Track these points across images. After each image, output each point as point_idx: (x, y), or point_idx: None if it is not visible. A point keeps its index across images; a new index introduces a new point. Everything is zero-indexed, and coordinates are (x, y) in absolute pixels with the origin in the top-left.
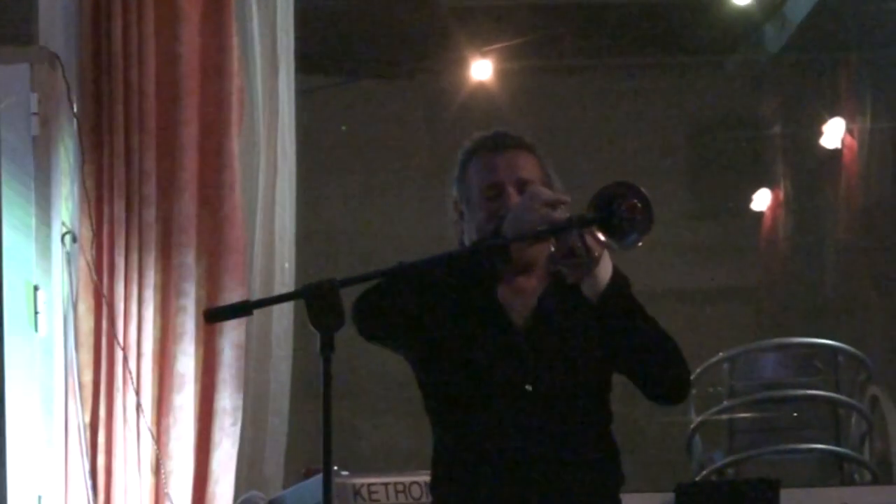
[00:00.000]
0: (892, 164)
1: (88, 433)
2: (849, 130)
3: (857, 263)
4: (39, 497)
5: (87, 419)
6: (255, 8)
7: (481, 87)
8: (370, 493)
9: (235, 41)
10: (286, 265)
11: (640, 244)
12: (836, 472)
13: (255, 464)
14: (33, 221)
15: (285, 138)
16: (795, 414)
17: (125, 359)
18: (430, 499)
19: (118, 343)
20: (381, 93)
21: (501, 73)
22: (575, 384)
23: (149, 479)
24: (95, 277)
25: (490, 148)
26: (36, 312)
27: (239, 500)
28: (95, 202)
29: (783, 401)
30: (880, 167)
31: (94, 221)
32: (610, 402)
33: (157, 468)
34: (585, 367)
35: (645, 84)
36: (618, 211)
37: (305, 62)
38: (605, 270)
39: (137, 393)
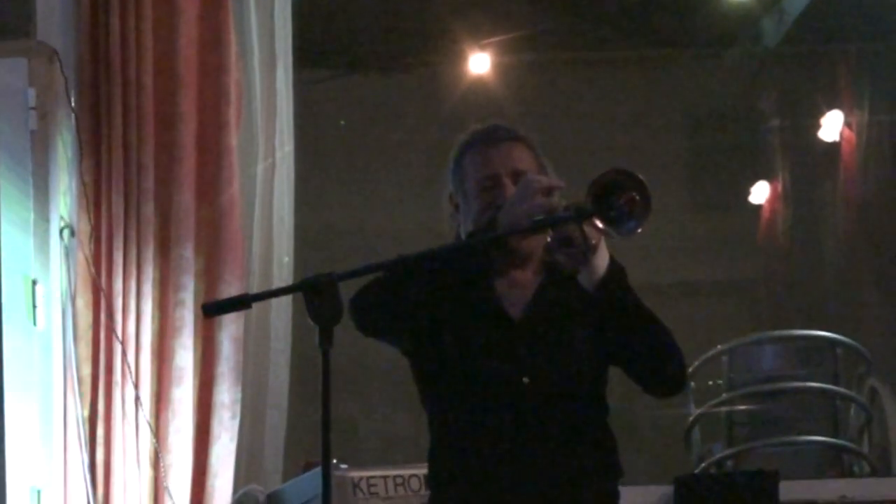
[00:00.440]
0: (890, 157)
1: (87, 427)
2: (847, 123)
3: (856, 256)
4: (38, 491)
5: (86, 413)
6: (252, 2)
7: (479, 80)
8: (369, 486)
9: (233, 35)
10: (285, 259)
11: (639, 231)
12: (834, 464)
13: (254, 457)
14: (31, 216)
15: (283, 132)
16: (794, 406)
17: (124, 353)
18: (428, 492)
19: (117, 337)
20: (379, 86)
21: (499, 67)
22: (572, 377)
23: (147, 472)
24: (94, 271)
25: (485, 140)
26: (34, 306)
27: (238, 494)
28: (94, 196)
29: (782, 393)
30: (879, 160)
31: (92, 216)
32: (606, 394)
33: (156, 462)
34: (582, 359)
35: (643, 77)
36: (616, 199)
37: (303, 56)
38: (601, 260)
39: (136, 386)
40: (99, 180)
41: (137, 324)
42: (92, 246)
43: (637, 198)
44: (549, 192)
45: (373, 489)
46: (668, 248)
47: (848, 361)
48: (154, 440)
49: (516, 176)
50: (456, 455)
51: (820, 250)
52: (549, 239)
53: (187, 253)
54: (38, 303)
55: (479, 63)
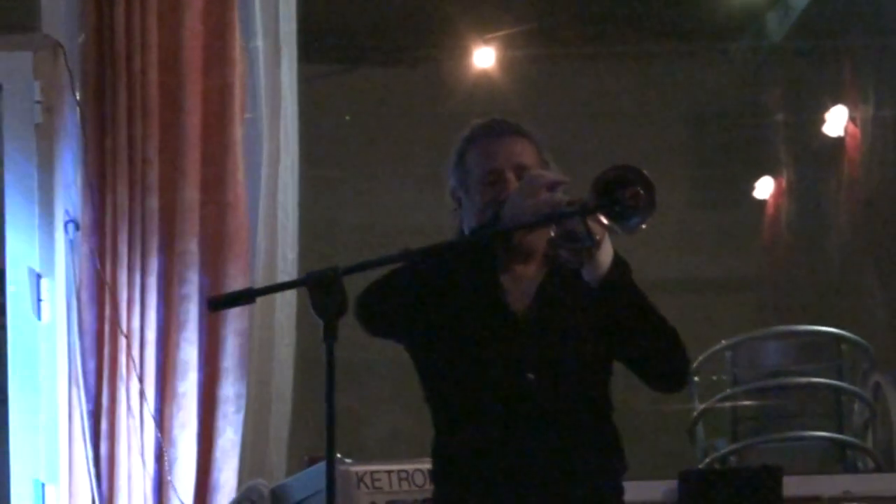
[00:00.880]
0: (895, 152)
1: (92, 420)
2: (851, 118)
3: (860, 251)
4: (43, 484)
5: (91, 406)
6: None
7: (484, 74)
8: (373, 480)
9: (238, 29)
10: (289, 253)
11: (643, 227)
12: (839, 459)
13: (259, 451)
14: (36, 209)
15: (288, 126)
16: (798, 402)
17: (128, 346)
18: (432, 487)
19: (121, 331)
20: (384, 80)
21: (504, 61)
22: (576, 372)
23: (152, 466)
24: (98, 265)
25: (487, 135)
26: (39, 300)
27: (242, 488)
28: (98, 190)
29: (786, 388)
30: (883, 155)
31: (96, 209)
32: (610, 389)
33: (161, 456)
34: (586, 354)
35: (647, 72)
36: (621, 195)
37: (308, 50)
38: (606, 255)
39: (140, 380)
40: (104, 174)
41: (142, 318)
42: (96, 239)
43: (641, 192)
44: (553, 187)
45: (377, 483)
46: (672, 243)
47: (852, 357)
48: (158, 434)
49: (519, 171)
50: (459, 451)
51: (824, 246)
52: (552, 234)
53: (192, 247)
54: (42, 296)
55: (484, 57)
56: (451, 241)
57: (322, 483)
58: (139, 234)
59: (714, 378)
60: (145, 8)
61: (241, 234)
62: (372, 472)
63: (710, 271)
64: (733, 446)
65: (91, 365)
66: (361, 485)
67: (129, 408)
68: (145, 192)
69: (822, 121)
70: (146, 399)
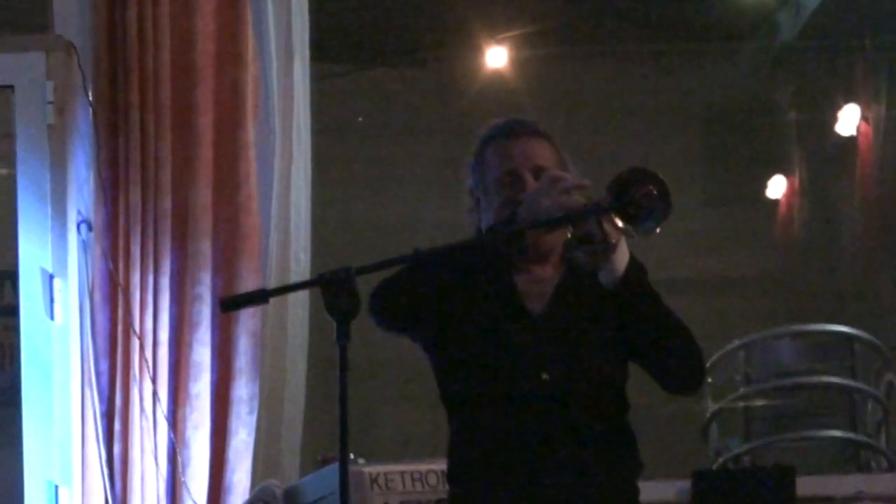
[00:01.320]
0: None
1: (105, 422)
2: (864, 117)
3: (873, 250)
4: (56, 486)
5: (104, 407)
6: None
7: (496, 74)
8: (387, 481)
9: (250, 29)
10: (301, 253)
11: (658, 231)
12: (852, 459)
13: (272, 452)
14: (49, 210)
15: (300, 126)
16: (811, 401)
17: (141, 347)
18: (446, 487)
19: (134, 332)
20: (396, 80)
21: (516, 61)
22: (591, 373)
23: (165, 467)
24: (111, 266)
25: (505, 135)
26: (52, 301)
27: (255, 489)
28: (111, 191)
29: (799, 388)
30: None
31: (109, 210)
32: (626, 391)
33: (174, 457)
34: (602, 355)
35: (659, 72)
36: (636, 197)
37: (320, 50)
38: (622, 258)
39: (154, 381)
40: (116, 175)
41: (155, 318)
42: (109, 240)
43: (655, 192)
44: (570, 189)
45: (390, 484)
46: (685, 242)
47: (865, 356)
48: (171, 435)
49: (537, 171)
50: (475, 451)
51: (837, 245)
52: (569, 235)
53: (205, 247)
54: (55, 297)
55: (497, 57)
56: (462, 241)
57: (335, 484)
58: (152, 234)
59: (727, 378)
60: (157, 8)
61: (254, 235)
62: (385, 473)
63: (722, 271)
64: (746, 446)
65: (104, 366)
66: (375, 485)
67: (142, 409)
68: (158, 193)
69: (835, 120)
70: (159, 400)
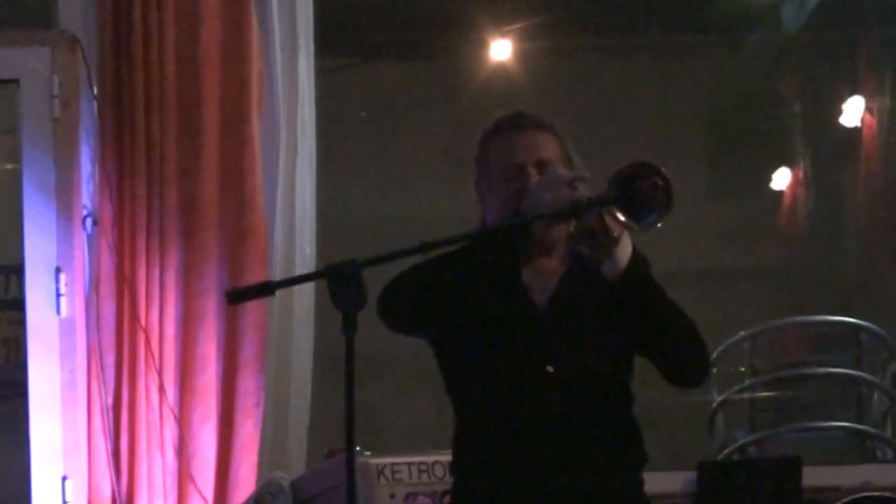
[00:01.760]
0: None
1: (111, 415)
2: (868, 109)
3: (878, 241)
4: (64, 478)
5: (110, 400)
6: None
7: (501, 67)
8: (393, 473)
9: (255, 22)
10: (307, 246)
11: (659, 226)
12: (858, 449)
13: (278, 445)
14: (54, 204)
15: (305, 119)
16: (817, 392)
17: (147, 340)
18: (452, 479)
19: (140, 325)
20: (401, 74)
21: (521, 54)
22: (596, 365)
23: (172, 460)
24: (117, 259)
25: (510, 128)
26: (58, 295)
27: (262, 482)
28: (116, 184)
29: (805, 379)
30: None
31: (115, 203)
32: (631, 383)
33: (180, 450)
34: (607, 348)
35: (664, 64)
36: (638, 190)
37: (325, 43)
38: (624, 252)
39: (160, 374)
40: (122, 168)
41: (161, 311)
42: (115, 234)
43: (660, 183)
44: (573, 183)
45: (397, 476)
46: (690, 234)
47: (871, 347)
48: (178, 428)
49: (541, 165)
50: (480, 443)
51: (842, 236)
52: (571, 229)
53: (210, 241)
54: (61, 291)
55: (501, 50)
56: (469, 232)
57: (342, 476)
58: (157, 228)
59: (732, 369)
60: (162, 2)
61: (260, 228)
62: (392, 465)
63: (727, 262)
64: (752, 437)
65: (110, 359)
66: (381, 477)
67: (148, 402)
68: (163, 187)
69: (839, 111)
70: (166, 393)
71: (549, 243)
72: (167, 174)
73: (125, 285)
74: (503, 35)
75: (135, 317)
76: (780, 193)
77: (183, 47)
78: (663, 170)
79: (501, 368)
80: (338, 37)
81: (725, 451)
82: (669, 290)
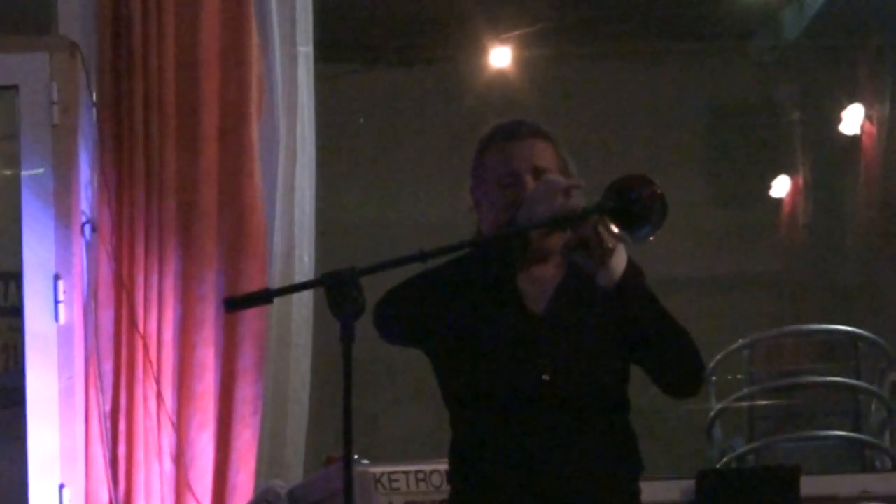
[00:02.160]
0: None
1: (109, 422)
2: (868, 116)
3: (877, 250)
4: (61, 486)
5: (108, 408)
6: None
7: (500, 74)
8: (391, 481)
9: (255, 28)
10: (305, 253)
11: (651, 238)
12: (856, 458)
13: (276, 452)
14: (53, 210)
15: (305, 125)
16: (815, 401)
17: (146, 347)
18: (449, 487)
19: (138, 332)
20: (400, 80)
21: (520, 61)
22: (592, 374)
23: (169, 467)
24: (115, 266)
25: (506, 136)
26: (56, 301)
27: (259, 489)
28: (115, 191)
29: (803, 388)
30: None
31: (114, 210)
32: (628, 391)
33: (178, 457)
34: (603, 357)
35: (664, 70)
36: (633, 203)
37: (324, 49)
38: (619, 262)
39: (158, 381)
40: (121, 174)
41: (159, 318)
42: (114, 240)
43: (654, 196)
44: (568, 191)
45: (394, 484)
46: (689, 241)
47: (870, 356)
48: (176, 435)
49: (537, 173)
50: (476, 451)
51: (841, 244)
52: (566, 238)
53: (209, 247)
54: (60, 297)
55: (500, 57)
56: (466, 240)
57: (339, 484)
58: (156, 234)
59: (731, 377)
60: (161, 8)
61: (258, 234)
62: (389, 473)
63: (726, 270)
64: (750, 446)
65: (108, 366)
66: (379, 485)
67: (146, 409)
68: (162, 193)
69: (839, 119)
70: (163, 400)
71: (545, 252)
72: (166, 180)
73: (124, 292)
74: (503, 42)
75: (133, 324)
76: (780, 201)
77: (182, 53)
78: (658, 183)
79: (497, 377)
80: (337, 43)
81: (724, 460)
82: (668, 298)
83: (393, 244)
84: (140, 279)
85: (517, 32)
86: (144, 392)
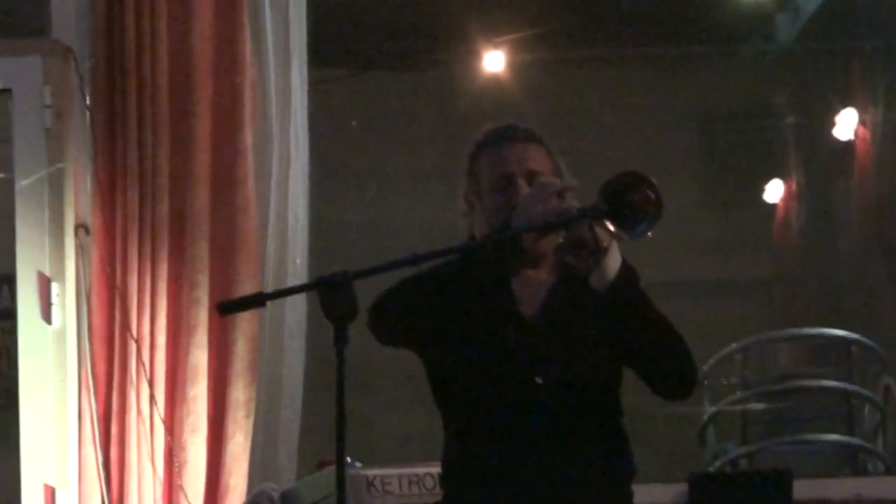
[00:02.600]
0: None
1: (101, 425)
2: (862, 121)
3: (871, 254)
4: (53, 488)
5: (101, 411)
6: (267, 0)
7: (494, 78)
8: (383, 484)
9: (248, 34)
10: (299, 256)
11: (649, 234)
12: (849, 462)
13: (269, 456)
14: (47, 214)
15: (298, 130)
16: (808, 405)
17: (138, 351)
18: (442, 491)
19: (131, 335)
20: (394, 84)
21: (514, 65)
22: (585, 377)
23: (162, 470)
24: (108, 270)
25: (500, 140)
26: (50, 304)
27: (252, 492)
28: (108, 194)
29: (796, 392)
30: (893, 158)
31: (107, 214)
32: (620, 394)
33: (170, 460)
34: (595, 359)
35: (657, 75)
36: (629, 201)
37: (318, 54)
38: (613, 262)
39: (151, 385)
40: (114, 178)
41: (152, 322)
42: (107, 244)
43: (651, 195)
44: (562, 194)
45: (387, 487)
46: (682, 245)
47: (862, 360)
48: (168, 438)
49: (531, 176)
50: (469, 455)
51: (834, 249)
52: (560, 240)
53: (202, 251)
54: (53, 301)
55: (494, 61)
56: (459, 244)
57: (332, 487)
58: (149, 238)
59: (724, 381)
60: (155, 13)
61: (252, 238)
62: (382, 476)
63: (720, 274)
64: (743, 450)
65: (101, 369)
66: (371, 488)
67: (139, 412)
68: (156, 197)
69: (832, 124)
70: (156, 403)
71: (538, 255)
72: (159, 184)
73: (117, 295)
74: (496, 46)
75: (126, 327)
76: (773, 206)
77: (175, 58)
78: (652, 178)
79: (490, 380)
80: (331, 48)
81: (717, 464)
82: (661, 302)
83: (386, 248)
84: (133, 282)
85: (511, 37)
86: (137, 395)
